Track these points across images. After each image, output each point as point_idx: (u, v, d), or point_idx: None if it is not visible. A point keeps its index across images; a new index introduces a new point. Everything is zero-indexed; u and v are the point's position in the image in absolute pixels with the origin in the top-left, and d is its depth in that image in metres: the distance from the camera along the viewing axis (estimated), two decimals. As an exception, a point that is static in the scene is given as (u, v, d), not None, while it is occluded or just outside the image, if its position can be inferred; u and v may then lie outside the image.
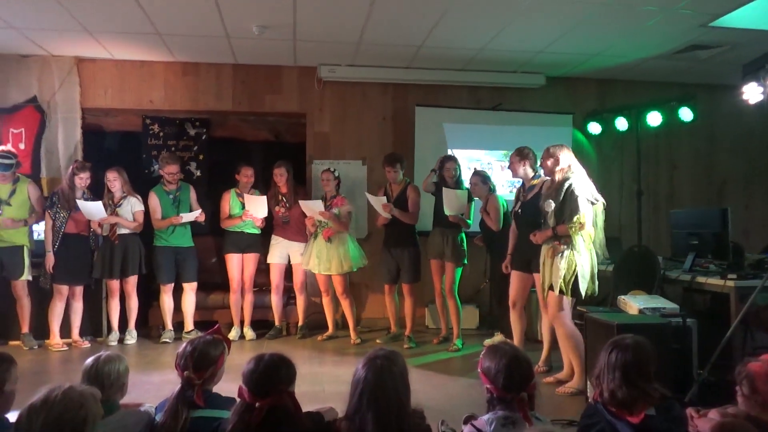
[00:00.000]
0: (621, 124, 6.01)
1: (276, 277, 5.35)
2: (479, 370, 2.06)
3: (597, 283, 3.71)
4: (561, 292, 3.62)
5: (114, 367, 2.09)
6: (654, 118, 5.72)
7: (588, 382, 3.46)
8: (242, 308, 5.34)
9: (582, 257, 3.60)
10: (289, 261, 5.37)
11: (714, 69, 5.87)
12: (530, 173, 4.21)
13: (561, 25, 4.77)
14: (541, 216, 4.00)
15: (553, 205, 3.68)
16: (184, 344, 2.23)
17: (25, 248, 4.87)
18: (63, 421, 1.53)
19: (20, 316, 4.87)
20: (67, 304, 4.93)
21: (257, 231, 5.34)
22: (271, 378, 1.95)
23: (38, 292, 4.91)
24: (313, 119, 6.02)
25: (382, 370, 1.90)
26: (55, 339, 4.85)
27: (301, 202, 5.13)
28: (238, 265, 5.29)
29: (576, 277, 3.58)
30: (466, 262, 4.99)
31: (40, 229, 5.04)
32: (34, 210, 4.93)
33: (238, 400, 1.97)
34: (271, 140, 6.30)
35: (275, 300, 5.37)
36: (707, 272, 4.04)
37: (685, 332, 3.43)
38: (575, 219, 3.54)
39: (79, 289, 4.96)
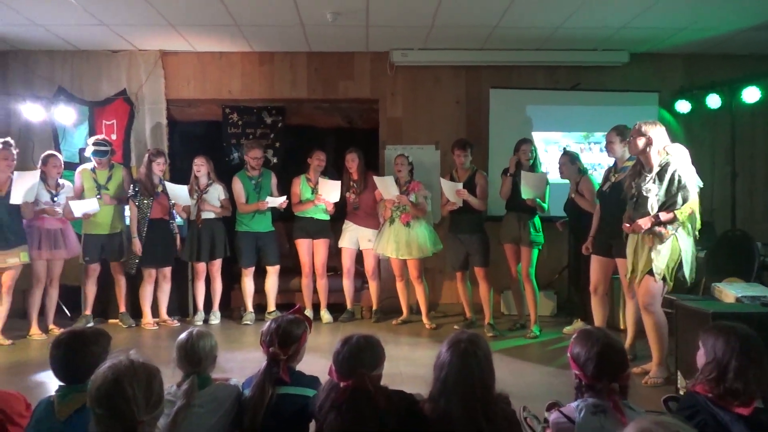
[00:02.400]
0: (713, 101, 5.58)
1: (347, 262, 5.41)
2: (568, 355, 2.00)
3: (695, 270, 3.51)
4: (663, 279, 3.44)
5: (207, 342, 2.18)
6: (751, 94, 5.28)
7: (678, 372, 3.29)
8: (317, 292, 5.45)
9: (686, 243, 3.42)
10: (359, 246, 5.42)
11: (821, 38, 5.37)
12: (626, 154, 4.01)
13: (647, -3, 4.50)
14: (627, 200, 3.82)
15: (655, 190, 3.45)
16: (268, 322, 2.32)
17: (122, 232, 5.22)
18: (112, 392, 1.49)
19: (118, 296, 5.24)
20: (157, 284, 5.22)
21: (326, 217, 5.39)
22: (352, 361, 1.98)
23: (131, 274, 5.22)
24: (385, 104, 6.02)
25: (467, 353, 1.88)
26: (147, 318, 5.17)
27: (376, 178, 5.13)
28: (309, 251, 5.39)
29: (680, 263, 3.41)
30: (541, 246, 4.87)
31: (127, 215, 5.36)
32: (125, 193, 5.25)
33: (324, 378, 2.01)
34: (345, 127, 6.36)
35: (347, 284, 5.45)
36: (813, 259, 3.74)
37: (789, 323, 3.18)
38: (686, 206, 3.36)
39: (167, 271, 5.24)
